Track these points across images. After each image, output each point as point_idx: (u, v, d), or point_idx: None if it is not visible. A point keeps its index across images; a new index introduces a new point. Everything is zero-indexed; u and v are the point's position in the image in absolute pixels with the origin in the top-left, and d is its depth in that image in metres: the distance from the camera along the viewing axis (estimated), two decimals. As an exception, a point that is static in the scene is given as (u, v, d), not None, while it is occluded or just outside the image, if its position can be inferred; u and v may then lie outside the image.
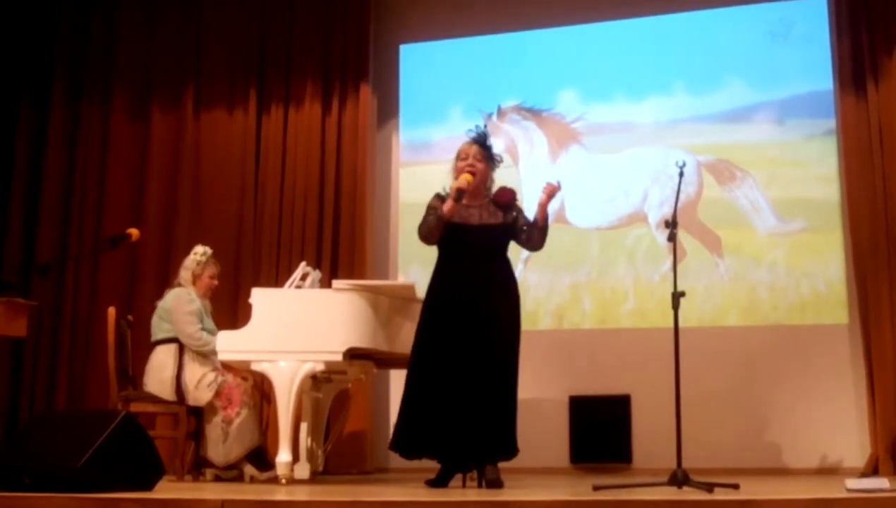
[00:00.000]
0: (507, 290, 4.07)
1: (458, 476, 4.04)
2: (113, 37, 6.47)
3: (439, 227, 4.04)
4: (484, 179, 4.15)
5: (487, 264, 4.08)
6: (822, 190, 5.69)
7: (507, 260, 4.15)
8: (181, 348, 4.77)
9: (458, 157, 4.16)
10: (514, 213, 4.14)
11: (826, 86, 5.73)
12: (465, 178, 4.05)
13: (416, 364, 4.01)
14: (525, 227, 4.10)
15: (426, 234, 4.08)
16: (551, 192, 4.03)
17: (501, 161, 4.27)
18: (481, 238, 4.09)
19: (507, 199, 4.15)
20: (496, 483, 3.81)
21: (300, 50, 6.27)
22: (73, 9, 6.52)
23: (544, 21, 6.23)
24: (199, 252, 4.97)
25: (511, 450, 3.93)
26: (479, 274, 4.04)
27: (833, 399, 5.41)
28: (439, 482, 3.95)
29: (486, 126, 4.29)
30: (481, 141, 4.17)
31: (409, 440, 3.95)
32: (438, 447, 3.92)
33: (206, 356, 4.77)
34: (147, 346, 4.91)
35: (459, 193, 4.02)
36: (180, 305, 4.80)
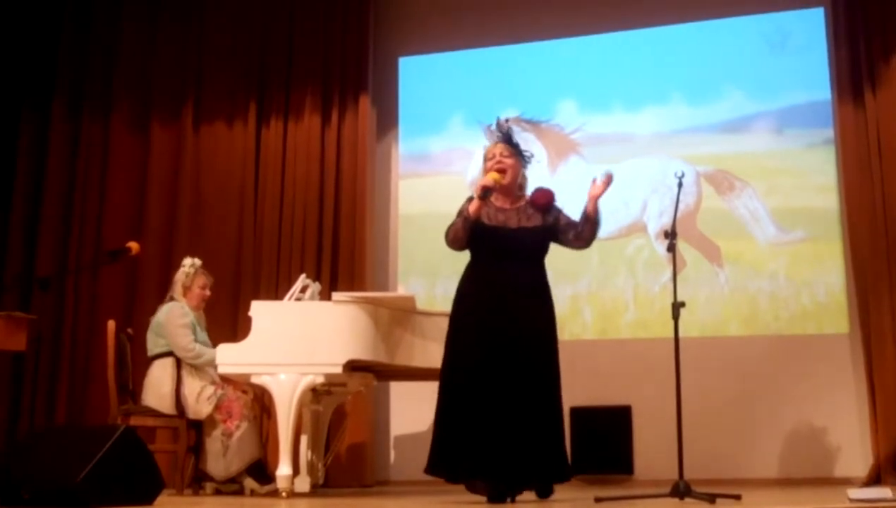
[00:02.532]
0: (544, 299, 3.85)
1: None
2: (113, 51, 6.48)
3: (465, 229, 3.79)
4: (515, 177, 3.91)
5: (526, 271, 3.82)
6: (822, 199, 5.69)
7: (543, 266, 3.90)
8: (178, 362, 4.76)
9: (485, 158, 3.96)
10: (555, 214, 3.91)
11: (824, 95, 5.75)
12: (492, 176, 3.83)
13: (451, 380, 3.75)
14: (570, 225, 3.88)
15: (452, 238, 3.82)
16: (608, 182, 3.81)
17: (532, 156, 4.02)
18: (520, 243, 3.83)
19: (545, 201, 3.90)
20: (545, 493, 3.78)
21: (300, 62, 6.28)
22: (74, 23, 6.54)
23: (543, 33, 6.26)
24: (188, 264, 4.97)
25: (564, 473, 3.74)
26: (518, 281, 3.79)
27: (834, 408, 5.40)
28: (497, 498, 3.67)
29: (507, 120, 4.03)
30: (506, 138, 3.95)
31: (452, 461, 3.68)
32: (486, 469, 3.63)
33: (202, 369, 4.76)
34: (147, 359, 4.90)
35: (485, 191, 3.78)
36: (172, 318, 4.79)
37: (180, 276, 4.95)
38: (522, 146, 4.01)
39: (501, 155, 3.92)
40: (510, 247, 3.83)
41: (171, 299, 4.93)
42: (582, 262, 5.93)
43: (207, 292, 5.01)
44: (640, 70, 6.09)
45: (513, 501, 3.73)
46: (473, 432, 3.63)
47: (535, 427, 3.64)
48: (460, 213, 3.84)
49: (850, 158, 5.43)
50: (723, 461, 5.31)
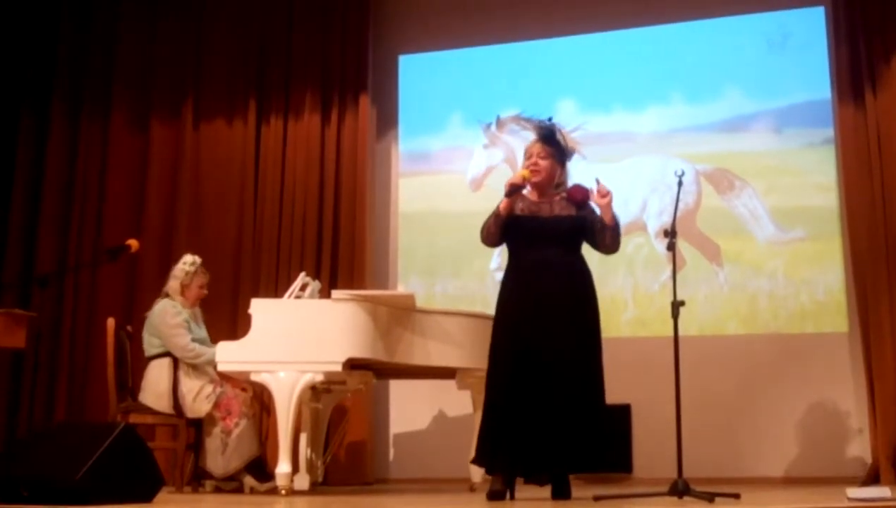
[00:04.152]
0: (583, 283, 3.86)
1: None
2: (113, 48, 6.48)
3: (497, 225, 3.85)
4: (551, 176, 3.92)
5: (560, 256, 3.84)
6: (821, 198, 5.69)
7: (580, 253, 3.90)
8: (175, 362, 4.75)
9: (525, 156, 3.98)
10: (589, 211, 3.89)
11: (824, 95, 5.75)
12: (521, 174, 3.86)
13: (495, 372, 3.80)
14: (597, 228, 3.86)
15: (486, 235, 3.89)
16: (605, 191, 3.82)
17: (574, 151, 4.00)
18: (553, 229, 3.86)
19: (581, 197, 3.89)
20: (561, 493, 3.75)
21: (299, 61, 6.28)
22: (73, 22, 6.53)
23: (543, 31, 6.25)
24: (189, 261, 4.93)
25: (595, 461, 3.72)
26: (555, 266, 3.82)
27: (833, 407, 5.40)
28: (499, 495, 3.72)
29: (550, 119, 4.02)
30: (547, 136, 3.94)
31: (495, 454, 3.72)
32: (523, 460, 3.68)
33: (201, 368, 4.76)
34: (146, 358, 4.90)
35: (512, 188, 3.81)
36: (165, 319, 4.77)
37: (179, 273, 4.91)
38: (566, 144, 3.99)
39: (538, 155, 3.94)
40: (543, 233, 3.87)
41: (166, 294, 4.90)
42: (581, 261, 5.92)
43: (205, 291, 4.99)
44: (640, 69, 6.08)
45: (512, 498, 3.75)
46: (508, 428, 3.69)
47: (563, 419, 3.65)
48: (495, 211, 3.88)
49: (850, 158, 5.43)
50: (722, 460, 5.31)
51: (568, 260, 3.88)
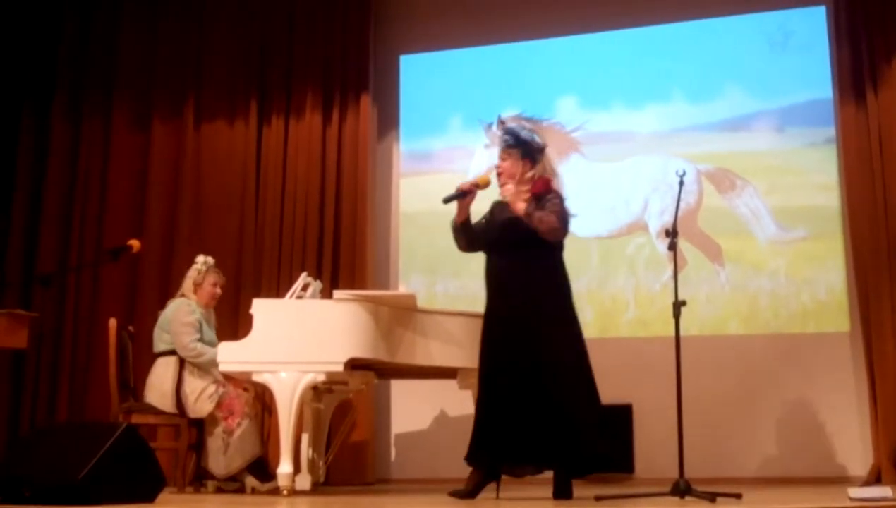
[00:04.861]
0: (522, 291, 3.79)
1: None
2: (114, 48, 6.48)
3: (457, 231, 3.92)
4: (514, 174, 3.88)
5: (504, 263, 3.86)
6: (823, 198, 5.69)
7: (528, 258, 3.82)
8: (181, 361, 4.77)
9: None
10: (543, 203, 3.81)
11: (825, 94, 5.74)
12: (479, 178, 3.92)
13: (479, 374, 3.95)
14: (533, 221, 3.78)
15: (455, 242, 3.98)
16: (467, 188, 3.84)
17: (536, 142, 3.92)
18: (498, 234, 3.89)
19: (538, 190, 3.85)
20: (562, 493, 3.73)
21: (300, 61, 6.28)
22: (75, 22, 6.53)
23: (544, 31, 6.25)
24: (200, 261, 5.00)
25: (575, 463, 3.71)
26: (498, 276, 3.86)
27: (835, 407, 5.40)
28: (470, 493, 3.75)
29: (499, 117, 4.05)
30: (504, 139, 3.93)
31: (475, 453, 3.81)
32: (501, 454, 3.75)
33: (205, 368, 4.76)
34: (148, 357, 4.91)
35: (460, 193, 3.85)
36: (178, 316, 4.81)
37: (192, 273, 4.97)
38: (532, 138, 3.94)
39: (500, 158, 3.95)
40: (493, 239, 3.92)
41: (182, 295, 4.95)
42: (582, 261, 5.93)
43: (218, 290, 5.02)
44: (642, 68, 6.08)
45: (497, 496, 3.80)
46: (487, 425, 3.77)
47: (534, 413, 3.69)
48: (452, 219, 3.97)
49: (852, 157, 5.43)
50: (723, 459, 5.31)
51: (510, 268, 3.87)
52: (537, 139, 3.95)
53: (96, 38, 6.52)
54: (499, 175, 3.93)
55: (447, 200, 3.89)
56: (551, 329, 3.77)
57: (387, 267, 6.26)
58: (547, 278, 3.85)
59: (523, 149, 3.92)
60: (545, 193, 3.85)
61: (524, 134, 3.93)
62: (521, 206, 3.79)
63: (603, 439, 3.73)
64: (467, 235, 3.94)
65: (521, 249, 3.84)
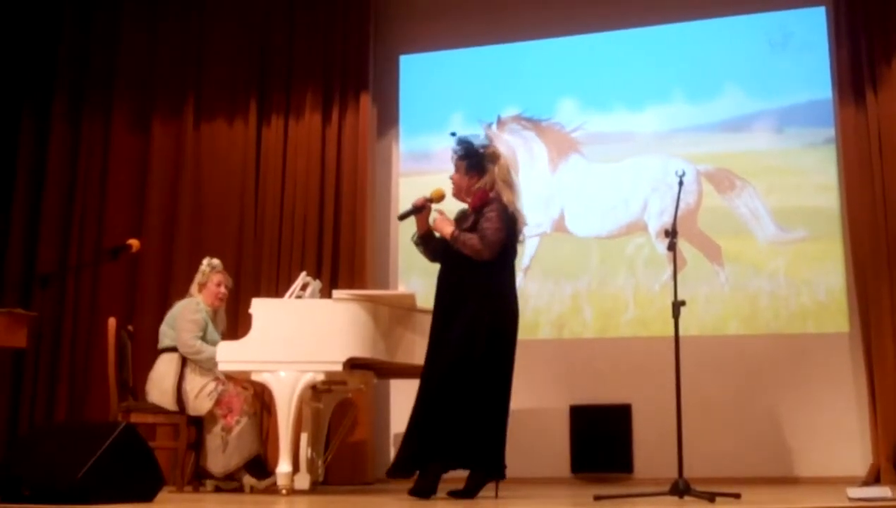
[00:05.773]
0: (455, 301, 3.85)
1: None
2: (114, 48, 6.48)
3: (418, 245, 4.06)
4: (460, 187, 3.99)
5: (445, 274, 3.97)
6: (822, 198, 5.69)
7: (467, 268, 3.85)
8: (184, 358, 4.79)
9: None
10: (479, 215, 3.88)
11: (825, 94, 5.75)
12: (433, 192, 4.00)
13: None
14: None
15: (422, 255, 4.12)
16: (422, 204, 3.98)
17: (486, 152, 3.97)
18: (444, 250, 3.99)
19: (474, 204, 3.94)
20: (418, 492, 3.72)
21: (300, 61, 6.28)
22: (75, 21, 6.54)
23: (543, 31, 6.25)
24: (205, 262, 5.06)
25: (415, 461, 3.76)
26: (440, 288, 3.96)
27: (834, 407, 5.40)
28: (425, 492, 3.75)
29: (454, 133, 4.09)
30: (454, 148, 4.00)
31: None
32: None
33: (206, 366, 4.77)
34: (147, 357, 4.93)
35: (414, 209, 3.97)
36: (184, 313, 4.85)
37: (198, 273, 5.03)
38: (482, 149, 3.99)
39: (455, 171, 4.02)
40: (440, 254, 4.01)
41: (190, 295, 4.99)
42: (582, 261, 5.94)
43: (223, 290, 5.04)
44: (641, 68, 6.08)
45: (496, 496, 3.77)
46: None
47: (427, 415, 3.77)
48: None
49: (851, 158, 5.43)
50: (722, 459, 5.31)
51: (450, 279, 3.95)
52: (490, 150, 4.01)
53: (96, 38, 6.52)
54: (453, 188, 4.02)
55: (402, 217, 4.02)
56: (451, 334, 3.83)
57: (386, 266, 6.26)
58: (474, 289, 3.85)
59: (469, 161, 3.98)
60: (482, 206, 3.91)
61: (473, 145, 3.99)
62: (447, 230, 3.90)
63: (427, 443, 3.74)
64: (428, 247, 4.04)
65: (461, 263, 3.90)
